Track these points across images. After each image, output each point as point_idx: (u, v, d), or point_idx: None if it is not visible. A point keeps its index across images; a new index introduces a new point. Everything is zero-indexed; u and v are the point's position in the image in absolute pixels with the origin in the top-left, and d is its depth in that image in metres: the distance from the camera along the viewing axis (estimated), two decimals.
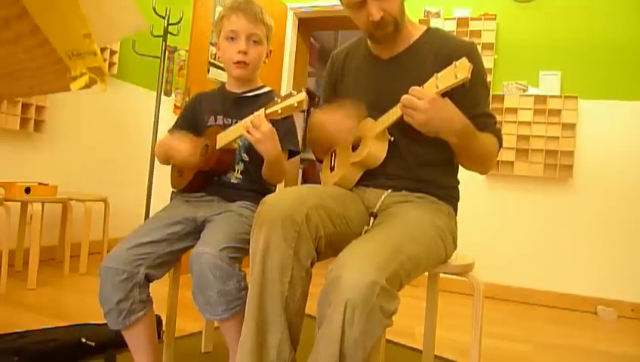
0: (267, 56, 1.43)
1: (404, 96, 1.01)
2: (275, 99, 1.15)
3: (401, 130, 1.12)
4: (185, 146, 1.30)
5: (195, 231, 1.30)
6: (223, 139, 1.29)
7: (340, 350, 0.82)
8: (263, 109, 1.17)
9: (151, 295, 1.23)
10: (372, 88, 1.23)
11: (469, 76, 0.95)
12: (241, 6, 1.34)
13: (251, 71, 1.38)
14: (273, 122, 1.17)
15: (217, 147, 1.29)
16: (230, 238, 1.15)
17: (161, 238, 1.23)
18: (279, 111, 1.14)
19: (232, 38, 1.35)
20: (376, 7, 1.10)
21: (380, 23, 1.12)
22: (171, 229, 1.27)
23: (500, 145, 1.19)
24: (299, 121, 4.25)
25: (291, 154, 1.37)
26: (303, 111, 1.15)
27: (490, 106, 2.18)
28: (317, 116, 1.26)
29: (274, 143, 1.19)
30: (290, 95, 1.12)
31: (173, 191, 1.47)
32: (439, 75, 1.00)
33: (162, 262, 1.22)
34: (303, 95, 1.10)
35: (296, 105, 1.11)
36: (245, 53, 1.34)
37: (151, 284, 1.24)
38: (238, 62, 1.34)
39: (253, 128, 1.15)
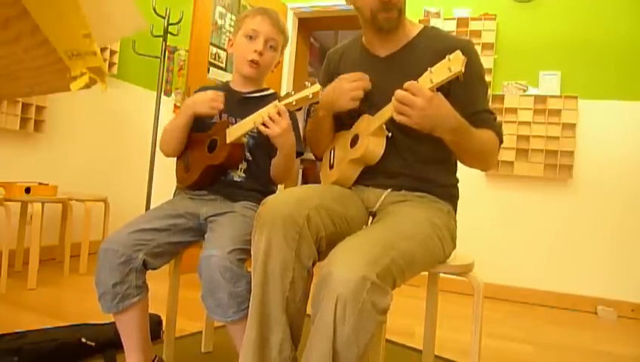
0: (275, 66, 1.47)
1: (398, 91, 1.01)
2: (289, 91, 1.18)
3: (399, 126, 1.11)
4: (207, 92, 1.33)
5: (197, 227, 1.31)
6: (233, 133, 1.29)
7: (332, 347, 0.82)
8: (277, 100, 1.19)
9: (147, 282, 1.22)
10: None
11: (463, 70, 0.94)
12: (268, 12, 1.40)
13: (261, 72, 1.42)
14: None
15: (227, 141, 1.29)
16: (237, 240, 1.15)
17: (162, 227, 1.24)
18: (293, 102, 1.16)
19: (251, 37, 1.38)
20: None
21: (388, 3, 1.13)
22: (173, 221, 1.28)
23: (501, 141, 1.19)
24: (299, 119, 4.24)
25: (296, 155, 1.39)
26: (316, 102, 1.17)
27: (490, 103, 2.17)
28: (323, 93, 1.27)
29: (292, 136, 1.25)
30: (304, 86, 1.15)
31: (177, 188, 1.47)
32: (433, 69, 1.00)
33: (162, 251, 1.23)
34: (317, 86, 1.12)
35: (311, 96, 1.13)
36: (261, 54, 1.38)
37: (151, 284, 1.24)
38: (251, 61, 1.38)
39: (273, 122, 1.18)
